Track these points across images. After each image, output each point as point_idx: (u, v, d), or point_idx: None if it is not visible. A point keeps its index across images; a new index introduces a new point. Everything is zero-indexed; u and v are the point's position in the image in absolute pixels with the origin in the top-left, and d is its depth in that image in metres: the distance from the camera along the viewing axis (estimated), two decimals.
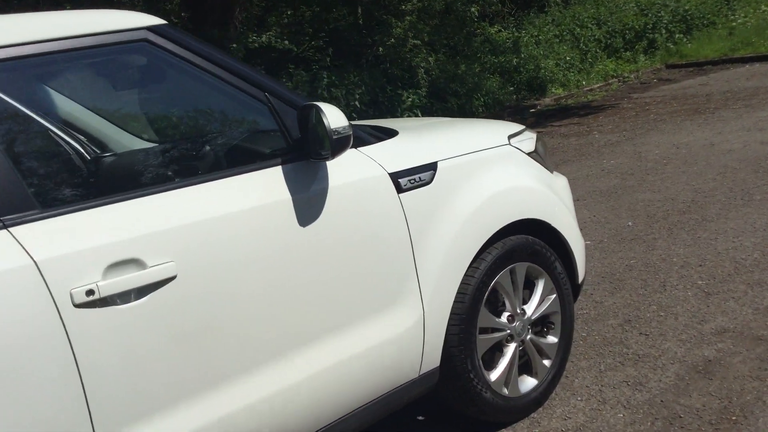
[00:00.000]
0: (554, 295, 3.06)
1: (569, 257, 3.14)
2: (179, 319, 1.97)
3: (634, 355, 3.34)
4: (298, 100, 2.33)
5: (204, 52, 2.21)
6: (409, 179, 2.54)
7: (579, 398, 3.06)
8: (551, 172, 3.24)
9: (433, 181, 2.62)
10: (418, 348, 2.56)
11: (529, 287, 3.02)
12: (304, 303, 2.24)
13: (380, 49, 11.55)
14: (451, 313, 2.69)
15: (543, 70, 13.94)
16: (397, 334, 2.49)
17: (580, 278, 3.23)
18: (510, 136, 3.03)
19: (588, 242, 5.04)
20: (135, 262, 1.90)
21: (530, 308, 2.98)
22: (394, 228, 2.48)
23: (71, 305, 1.79)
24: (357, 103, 10.52)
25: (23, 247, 1.76)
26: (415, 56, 11.87)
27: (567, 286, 3.09)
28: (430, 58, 11.94)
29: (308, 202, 2.26)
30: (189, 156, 2.32)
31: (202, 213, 2.04)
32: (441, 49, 12.91)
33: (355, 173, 2.41)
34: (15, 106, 2.16)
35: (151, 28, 2.15)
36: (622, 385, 3.10)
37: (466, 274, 2.72)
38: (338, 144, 2.17)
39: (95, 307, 1.83)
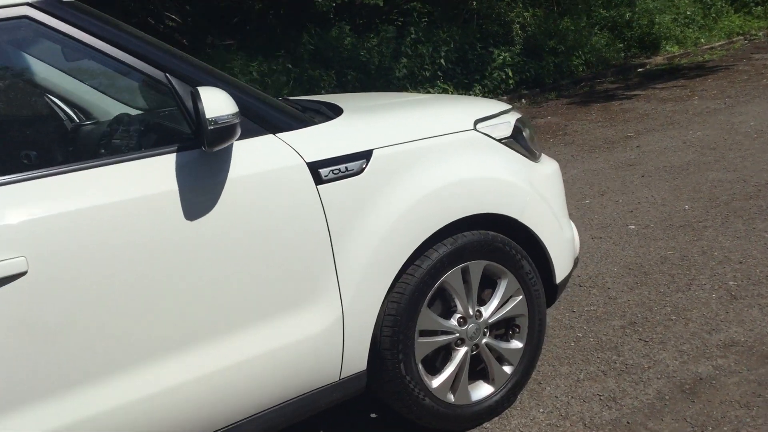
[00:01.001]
0: (521, 297, 2.79)
1: (545, 256, 2.85)
2: (31, 316, 1.89)
3: (621, 364, 3.03)
4: (201, 81, 2.16)
5: (94, 29, 2.07)
6: (332, 169, 2.33)
7: (542, 410, 2.80)
8: (536, 158, 2.93)
9: (363, 172, 2.39)
10: (337, 350, 2.39)
11: (494, 287, 2.77)
12: (192, 300, 2.11)
13: (474, 3, 11.08)
14: (385, 314, 2.49)
15: (657, 26, 13.00)
16: (310, 335, 2.32)
17: (558, 278, 2.92)
18: (478, 120, 2.74)
19: (632, 226, 4.65)
20: None
21: (488, 310, 2.72)
22: (309, 223, 2.29)
23: None
24: (442, 61, 10.18)
25: None
26: (511, 10, 11.33)
27: (537, 287, 2.81)
28: (526, 13, 11.36)
29: (201, 194, 2.10)
30: (58, 142, 2.20)
31: (63, 205, 1.93)
32: (543, 2, 12.25)
33: (264, 163, 2.23)
34: None
35: (32, 4, 2.03)
36: (593, 399, 2.81)
37: (406, 273, 2.51)
38: (214, 135, 1.99)
39: None
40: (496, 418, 2.78)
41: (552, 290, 2.93)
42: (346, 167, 2.36)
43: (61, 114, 2.37)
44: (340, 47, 9.72)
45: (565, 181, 5.92)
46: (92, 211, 1.96)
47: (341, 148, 2.37)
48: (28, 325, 1.89)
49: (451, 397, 2.69)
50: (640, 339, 3.20)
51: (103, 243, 1.96)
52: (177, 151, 2.13)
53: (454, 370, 2.67)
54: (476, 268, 2.65)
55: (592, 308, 3.56)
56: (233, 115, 2.03)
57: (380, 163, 2.43)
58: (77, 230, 1.93)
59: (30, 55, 2.23)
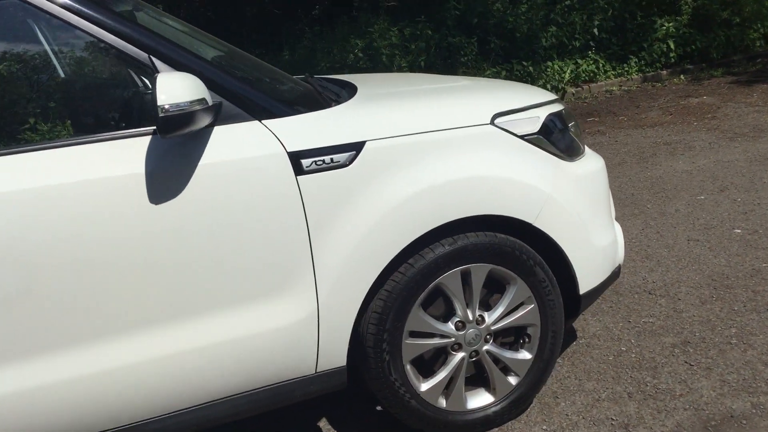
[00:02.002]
0: (532, 305, 2.60)
1: (567, 264, 2.63)
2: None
3: (653, 388, 2.76)
4: (185, 65, 2.17)
5: (78, 9, 2.12)
6: (315, 160, 2.27)
7: (545, 427, 2.62)
8: (572, 157, 2.70)
9: (352, 164, 2.31)
10: (311, 343, 2.35)
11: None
12: (152, 283, 2.15)
13: None
14: (372, 312, 2.42)
15: None
16: (283, 326, 2.30)
17: (583, 290, 2.69)
18: (498, 114, 2.55)
19: (737, 231, 4.20)
20: None
21: (492, 316, 2.57)
22: (286, 214, 2.25)
23: None
24: (596, 30, 9.62)
25: None
26: None
27: (553, 296, 2.61)
28: None
29: (170, 178, 2.13)
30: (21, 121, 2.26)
31: (22, 182, 2.02)
32: None
33: (241, 150, 2.21)
34: None
35: None
36: (604, 422, 2.59)
37: (397, 271, 2.42)
38: (165, 123, 1.99)
39: None
40: (496, 430, 2.64)
41: (576, 301, 2.71)
42: (331, 158, 2.29)
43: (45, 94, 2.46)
44: (487, 13, 9.44)
45: (691, 172, 5.46)
46: (58, 189, 2.04)
47: (329, 138, 2.30)
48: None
49: (442, 402, 2.58)
50: (686, 361, 2.91)
51: (69, 218, 2.04)
52: (152, 133, 2.16)
53: (447, 375, 2.56)
54: (479, 271, 2.50)
55: (651, 320, 3.26)
56: (192, 102, 2.01)
57: (372, 155, 2.34)
58: (38, 207, 2.02)
59: (19, 34, 2.32)
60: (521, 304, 2.60)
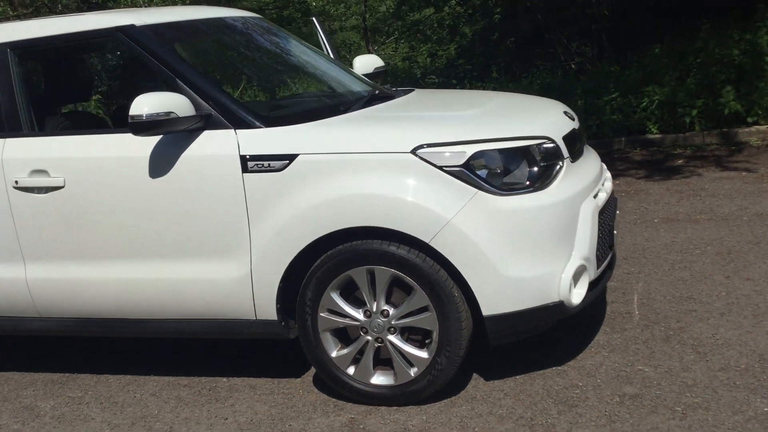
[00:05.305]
0: (430, 313, 3.00)
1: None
2: (66, 209, 3.33)
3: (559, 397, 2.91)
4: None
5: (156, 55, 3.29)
6: (257, 164, 3.09)
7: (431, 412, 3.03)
8: (514, 191, 2.97)
9: (284, 170, 3.06)
10: (247, 294, 3.18)
11: None
12: (147, 229, 3.26)
13: None
14: (302, 286, 3.15)
15: None
16: (225, 279, 3.20)
17: (485, 311, 2.95)
18: (421, 146, 2.96)
19: None
20: (44, 172, 3.33)
21: (396, 313, 3.06)
22: (233, 198, 3.12)
23: (12, 187, 3.39)
24: None
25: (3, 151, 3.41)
26: None
27: (449, 309, 2.96)
28: None
29: (164, 161, 3.18)
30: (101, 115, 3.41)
31: (87, 152, 3.28)
32: None
33: (211, 148, 3.14)
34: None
35: (120, 29, 3.35)
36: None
37: (320, 258, 3.09)
38: (133, 127, 3.03)
39: (21, 191, 3.38)
40: (393, 409, 3.13)
41: (492, 322, 2.99)
42: (269, 164, 3.09)
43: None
44: None
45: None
46: (99, 161, 3.26)
47: (273, 148, 3.10)
48: (63, 215, 3.34)
49: (351, 370, 3.19)
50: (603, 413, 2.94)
51: (104, 179, 3.26)
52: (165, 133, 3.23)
53: (353, 350, 3.17)
54: (382, 273, 3.04)
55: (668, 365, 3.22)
56: (152, 114, 3.01)
57: (301, 166, 3.06)
58: (91, 168, 3.27)
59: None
60: (424, 310, 3.03)
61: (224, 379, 3.58)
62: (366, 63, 4.58)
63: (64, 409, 3.46)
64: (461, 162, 2.97)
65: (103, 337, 4.04)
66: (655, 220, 5.26)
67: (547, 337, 3.54)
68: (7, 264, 3.51)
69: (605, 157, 7.58)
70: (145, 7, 11.66)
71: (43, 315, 3.55)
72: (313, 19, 5.00)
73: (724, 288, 3.92)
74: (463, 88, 10.61)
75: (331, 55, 4.63)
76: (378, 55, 16.31)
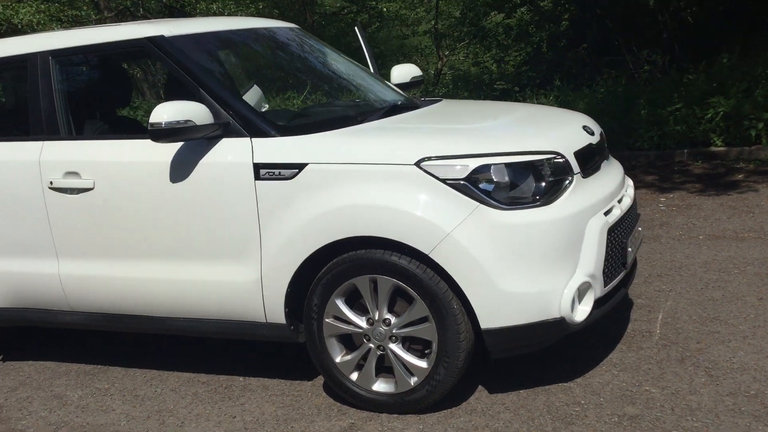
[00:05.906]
0: (431, 324, 3.03)
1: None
2: (95, 210, 3.52)
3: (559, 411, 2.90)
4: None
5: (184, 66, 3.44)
6: (269, 171, 3.19)
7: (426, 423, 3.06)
8: (517, 205, 2.98)
9: (294, 179, 3.15)
10: (258, 298, 3.28)
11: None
12: (167, 231, 3.40)
13: None
14: (309, 292, 3.23)
15: None
16: (238, 282, 3.31)
17: (483, 325, 2.96)
18: (425, 159, 2.99)
19: None
20: (76, 174, 3.53)
21: (397, 322, 3.10)
22: (245, 204, 3.23)
23: (48, 188, 3.60)
24: None
25: (41, 153, 3.63)
26: None
27: (448, 321, 2.98)
28: None
29: (185, 167, 3.31)
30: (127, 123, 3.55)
31: (115, 156, 3.46)
32: None
33: (228, 155, 3.26)
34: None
35: (150, 39, 3.51)
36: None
37: (327, 265, 3.17)
38: (153, 134, 3.16)
39: (56, 191, 3.58)
40: (392, 415, 3.18)
41: (491, 336, 3.01)
42: (280, 172, 3.19)
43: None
44: None
45: None
46: (127, 164, 3.43)
47: (284, 157, 3.19)
48: (92, 215, 3.53)
49: (354, 376, 3.24)
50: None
51: (129, 182, 3.43)
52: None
53: (356, 356, 3.23)
54: (384, 282, 3.09)
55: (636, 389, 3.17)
56: (171, 122, 3.14)
57: (310, 175, 3.14)
58: (118, 171, 3.44)
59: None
60: (424, 320, 3.06)
61: (241, 378, 3.70)
62: (403, 72, 4.63)
63: (89, 400, 3.65)
64: (464, 175, 2.99)
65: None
66: (700, 237, 5.12)
67: (560, 352, 3.51)
68: (43, 259, 3.73)
69: (665, 170, 7.52)
70: (219, 13, 12.03)
71: (75, 309, 3.75)
72: (356, 27, 5.08)
73: (753, 310, 3.80)
74: (525, 95, 10.53)
75: (369, 64, 4.71)
76: (449, 60, 16.41)
